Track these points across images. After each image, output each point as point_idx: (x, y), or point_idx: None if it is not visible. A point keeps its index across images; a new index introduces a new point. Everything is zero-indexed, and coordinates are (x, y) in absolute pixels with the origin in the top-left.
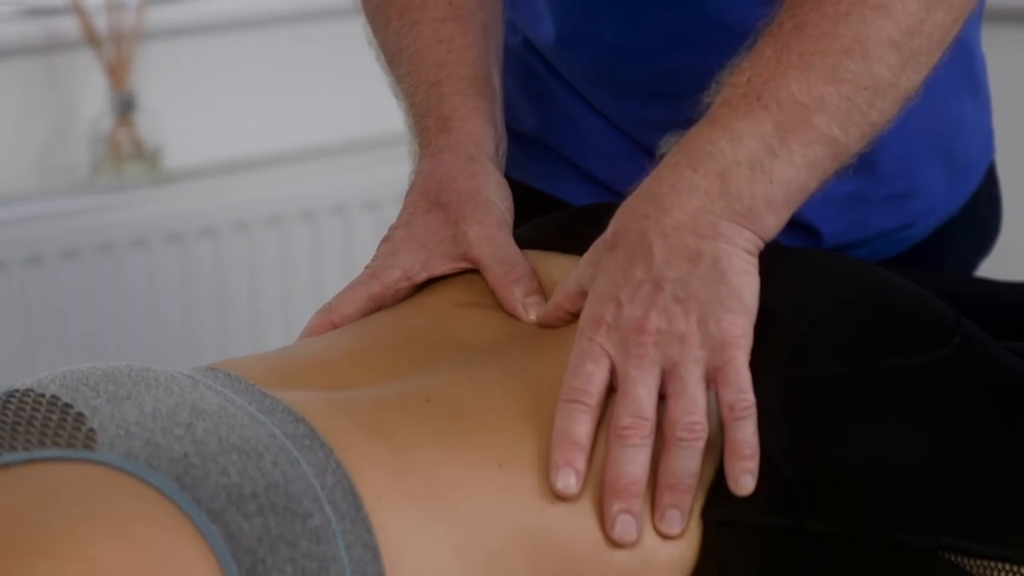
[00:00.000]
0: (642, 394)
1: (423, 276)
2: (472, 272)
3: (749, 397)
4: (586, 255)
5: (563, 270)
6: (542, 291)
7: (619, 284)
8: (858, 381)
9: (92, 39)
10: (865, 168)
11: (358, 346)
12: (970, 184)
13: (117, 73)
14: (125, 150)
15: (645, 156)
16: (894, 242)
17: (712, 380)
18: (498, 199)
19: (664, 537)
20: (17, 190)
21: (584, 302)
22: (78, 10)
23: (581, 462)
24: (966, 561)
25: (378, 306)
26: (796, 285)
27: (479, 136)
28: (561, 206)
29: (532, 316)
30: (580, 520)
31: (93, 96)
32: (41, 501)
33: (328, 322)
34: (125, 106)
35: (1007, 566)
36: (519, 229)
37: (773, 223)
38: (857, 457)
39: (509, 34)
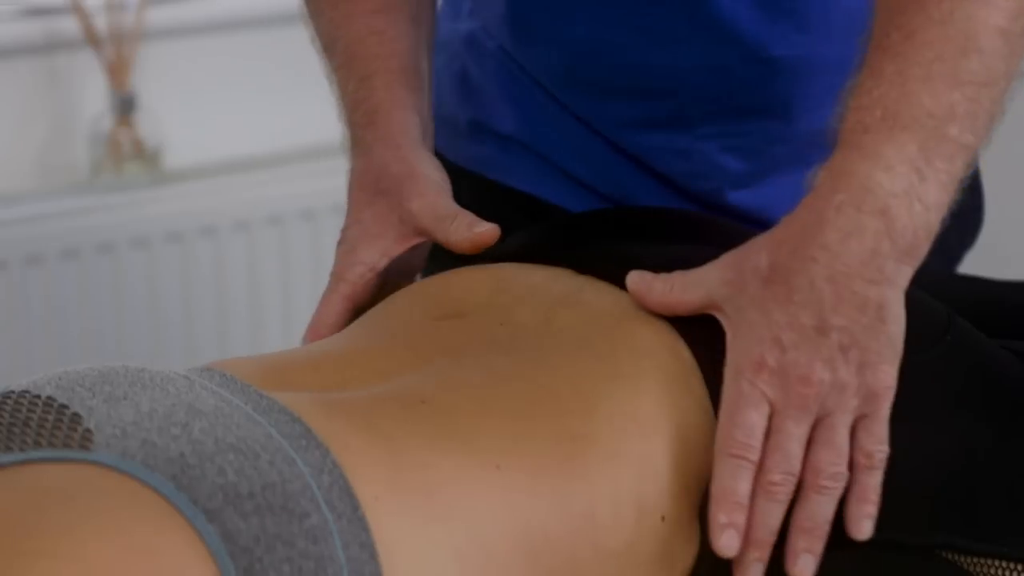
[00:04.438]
0: (794, 449)
1: (384, 263)
2: (441, 280)
3: (887, 448)
4: (723, 272)
5: (542, 279)
6: (482, 220)
7: (781, 326)
8: None
9: (92, 39)
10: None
11: (349, 348)
12: None
13: (117, 73)
14: (125, 150)
15: (624, 156)
16: None
17: (854, 426)
18: (431, 171)
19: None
20: (17, 190)
21: (699, 312)
22: (78, 10)
23: (743, 520)
24: (963, 559)
25: (354, 305)
26: None
27: (404, 125)
28: (542, 206)
29: (482, 229)
30: (580, 522)
31: (93, 96)
32: (37, 501)
33: (317, 337)
34: (125, 106)
35: (1005, 563)
36: (507, 239)
37: (926, 251)
38: None
39: (486, 38)
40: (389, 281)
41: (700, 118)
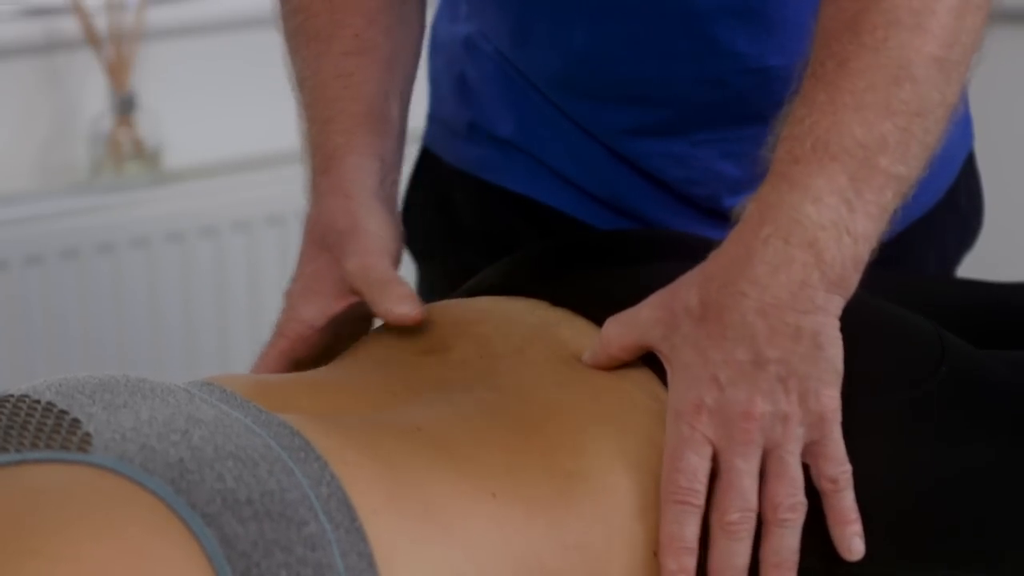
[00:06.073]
0: (747, 485)
1: (322, 321)
2: (429, 320)
3: (848, 467)
4: (654, 311)
5: (518, 310)
6: (414, 295)
7: (717, 364)
8: (845, 421)
9: (92, 39)
10: None
11: (344, 378)
12: (947, 175)
13: (117, 73)
14: (125, 150)
15: (621, 160)
16: None
17: (807, 454)
18: (377, 227)
19: None
20: (17, 190)
21: (639, 354)
22: (78, 10)
23: (692, 564)
24: None
25: (291, 360)
26: None
27: (357, 173)
28: (538, 209)
29: (405, 310)
30: (575, 555)
31: (93, 96)
32: (31, 501)
33: None
34: (125, 106)
35: None
36: (503, 261)
37: (856, 281)
38: None
39: (483, 41)
40: (340, 332)
41: (697, 126)
